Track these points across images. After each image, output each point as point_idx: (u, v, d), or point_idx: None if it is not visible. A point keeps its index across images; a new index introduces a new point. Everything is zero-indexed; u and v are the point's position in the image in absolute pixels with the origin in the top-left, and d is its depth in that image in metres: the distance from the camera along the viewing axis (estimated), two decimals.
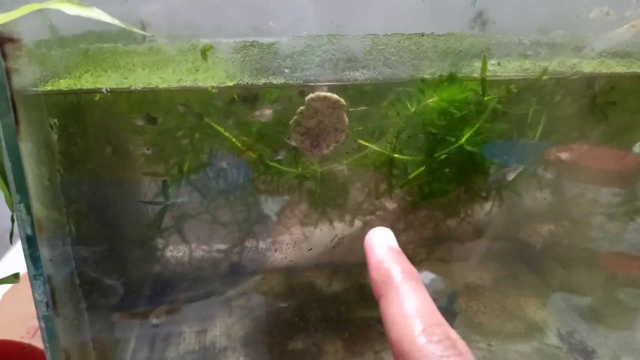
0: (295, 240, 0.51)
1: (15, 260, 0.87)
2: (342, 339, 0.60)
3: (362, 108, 0.43)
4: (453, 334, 0.25)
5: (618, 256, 0.64)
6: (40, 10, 0.37)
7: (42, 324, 0.40)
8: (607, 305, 0.65)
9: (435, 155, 0.45)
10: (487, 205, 0.55)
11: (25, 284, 0.78)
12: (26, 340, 0.55)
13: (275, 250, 0.52)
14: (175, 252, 0.55)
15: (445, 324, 0.26)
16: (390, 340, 0.26)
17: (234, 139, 0.45)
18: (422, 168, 0.45)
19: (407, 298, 0.26)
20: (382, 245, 0.30)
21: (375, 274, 0.29)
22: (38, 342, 0.53)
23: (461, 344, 0.25)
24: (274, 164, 0.45)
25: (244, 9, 0.40)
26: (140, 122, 0.41)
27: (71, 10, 0.28)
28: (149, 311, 0.60)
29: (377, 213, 0.53)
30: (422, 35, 0.40)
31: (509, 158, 0.52)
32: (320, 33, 0.39)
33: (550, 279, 0.67)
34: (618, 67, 0.46)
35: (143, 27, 0.39)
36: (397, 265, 0.28)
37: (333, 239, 0.49)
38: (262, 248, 0.54)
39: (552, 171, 0.57)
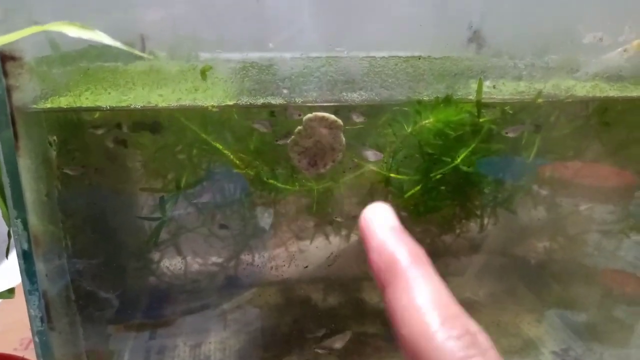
0: (291, 255, 0.52)
1: (9, 272, 0.87)
2: (337, 354, 0.60)
3: (359, 126, 0.44)
4: (472, 326, 0.22)
5: (614, 273, 0.64)
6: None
7: (37, 339, 0.40)
8: (603, 322, 0.66)
9: (431, 174, 0.45)
10: (483, 222, 0.56)
11: (19, 296, 0.78)
12: (19, 352, 0.54)
13: (271, 268, 0.52)
14: (171, 265, 0.55)
15: (463, 315, 0.22)
16: (400, 336, 0.22)
17: (232, 156, 0.45)
18: (418, 187, 0.46)
19: (419, 286, 0.23)
20: (382, 224, 0.25)
21: (377, 258, 0.24)
22: (31, 354, 0.53)
23: (483, 337, 0.21)
24: (272, 181, 0.46)
25: (245, 22, 0.41)
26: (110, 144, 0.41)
27: (74, 32, 0.29)
28: (144, 324, 0.60)
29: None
30: (419, 58, 0.41)
31: (504, 175, 0.52)
32: (319, 47, 0.40)
33: (545, 295, 0.67)
34: (612, 91, 0.46)
35: (143, 40, 0.40)
36: (402, 247, 0.24)
37: (329, 256, 0.49)
38: (257, 262, 0.55)
39: (547, 188, 0.58)
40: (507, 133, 0.46)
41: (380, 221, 0.25)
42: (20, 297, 0.77)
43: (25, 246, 0.38)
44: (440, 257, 0.59)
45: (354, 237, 0.54)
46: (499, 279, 0.67)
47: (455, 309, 0.22)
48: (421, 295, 0.22)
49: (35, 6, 0.36)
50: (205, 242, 0.55)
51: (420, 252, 0.24)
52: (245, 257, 0.55)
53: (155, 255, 0.54)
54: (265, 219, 0.52)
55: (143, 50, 0.40)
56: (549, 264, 0.64)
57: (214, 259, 0.57)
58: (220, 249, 0.56)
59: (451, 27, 0.43)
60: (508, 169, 0.52)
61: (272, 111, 0.41)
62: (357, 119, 0.40)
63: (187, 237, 0.54)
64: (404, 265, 0.23)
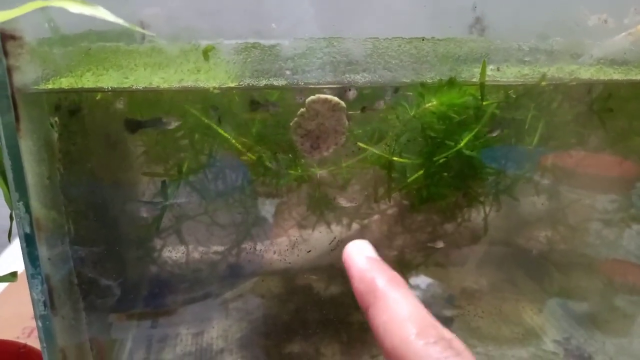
0: (293, 242, 0.52)
1: (12, 260, 0.87)
2: (340, 342, 0.60)
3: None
4: (447, 333, 0.25)
5: (615, 262, 0.64)
6: (42, 8, 0.37)
7: (40, 324, 0.40)
8: (604, 312, 0.66)
9: (434, 159, 0.45)
10: (485, 210, 0.56)
11: (21, 284, 0.78)
12: (21, 341, 0.54)
13: (274, 252, 0.52)
14: (173, 253, 0.55)
15: (438, 325, 0.26)
16: (384, 349, 0.25)
17: (233, 140, 0.45)
18: (421, 171, 0.46)
19: (396, 304, 0.26)
20: (361, 256, 0.30)
21: (358, 284, 0.28)
22: (33, 343, 0.53)
23: (457, 343, 0.25)
24: (275, 166, 0.45)
25: (244, 12, 0.41)
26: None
27: (75, 8, 0.28)
28: (146, 313, 0.60)
29: (375, 217, 0.53)
30: (423, 40, 0.41)
31: (506, 163, 0.52)
32: (320, 36, 0.39)
33: (547, 284, 0.67)
34: (615, 74, 0.46)
35: (143, 29, 0.40)
36: (380, 273, 0.28)
37: (332, 241, 0.49)
38: (259, 250, 0.54)
39: (549, 177, 0.58)
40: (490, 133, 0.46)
41: (360, 253, 0.30)
42: (22, 287, 0.78)
43: (28, 229, 0.38)
44: (442, 247, 0.59)
45: (355, 226, 0.54)
46: (500, 268, 0.67)
47: (431, 320, 0.26)
48: (399, 311, 0.26)
49: None
50: (207, 230, 0.54)
51: (396, 276, 0.28)
52: (248, 245, 0.55)
53: (158, 243, 0.53)
54: (267, 205, 0.52)
55: (143, 39, 0.39)
56: (551, 253, 0.64)
57: (216, 247, 0.57)
58: (222, 237, 0.56)
59: (455, 9, 0.42)
60: (509, 155, 0.52)
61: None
62: (352, 96, 0.40)
63: (189, 225, 0.53)
64: (382, 288, 0.27)
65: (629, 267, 0.65)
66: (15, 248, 0.94)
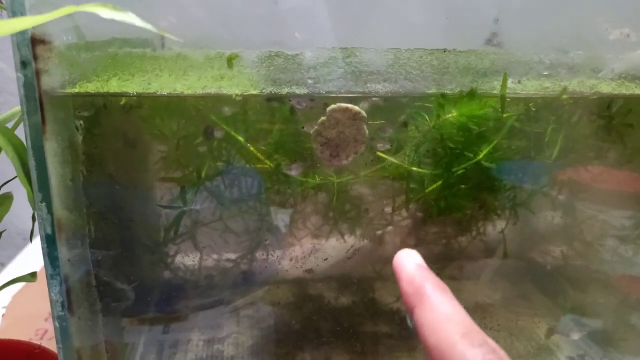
0: (307, 251, 0.52)
1: (27, 262, 0.88)
2: (351, 352, 0.59)
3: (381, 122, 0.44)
4: (491, 341, 0.26)
5: (631, 279, 0.64)
6: (69, 15, 0.38)
7: (57, 324, 0.40)
8: (620, 329, 0.65)
9: (453, 169, 0.45)
10: (501, 223, 0.55)
11: (34, 287, 0.79)
12: (35, 342, 0.55)
13: (291, 259, 0.52)
14: (189, 258, 0.55)
15: (483, 333, 0.26)
16: (427, 347, 0.26)
17: (252, 148, 0.45)
18: (440, 182, 0.46)
19: (444, 306, 0.27)
20: (412, 262, 0.31)
21: (407, 287, 0.30)
22: (47, 345, 0.53)
23: (501, 351, 0.25)
24: (291, 175, 0.46)
25: (262, 22, 0.41)
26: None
27: (106, 14, 0.29)
28: (159, 317, 0.60)
29: (389, 228, 0.53)
30: (444, 51, 0.41)
31: (523, 177, 0.52)
32: (342, 46, 0.40)
33: (561, 300, 0.66)
34: (637, 89, 0.46)
35: (163, 39, 0.40)
36: (429, 279, 0.30)
37: (349, 249, 0.49)
38: (272, 258, 0.54)
39: (566, 192, 0.57)
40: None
41: (411, 260, 0.32)
42: (36, 289, 0.78)
43: (49, 230, 0.38)
44: (456, 260, 0.59)
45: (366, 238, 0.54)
46: (514, 283, 0.66)
47: (475, 326, 0.27)
48: (445, 313, 0.27)
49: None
50: (220, 237, 0.55)
51: (442, 284, 0.30)
52: (261, 253, 0.55)
53: (174, 248, 0.54)
54: (283, 213, 0.52)
55: (162, 47, 0.40)
56: (566, 269, 0.64)
57: (230, 254, 0.57)
58: (236, 245, 0.56)
59: (476, 21, 0.42)
60: (527, 169, 0.52)
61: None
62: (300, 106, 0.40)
63: (205, 232, 0.54)
64: (430, 291, 0.28)
65: None
66: (28, 251, 0.95)
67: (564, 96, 0.44)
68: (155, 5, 0.38)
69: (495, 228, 0.56)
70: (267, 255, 0.55)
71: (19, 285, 0.78)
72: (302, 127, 0.40)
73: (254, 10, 0.41)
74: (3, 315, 0.73)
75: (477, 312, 0.63)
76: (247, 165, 0.47)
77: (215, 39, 0.40)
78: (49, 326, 0.70)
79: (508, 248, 0.58)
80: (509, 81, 0.43)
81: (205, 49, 0.39)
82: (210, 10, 0.40)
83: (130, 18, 0.29)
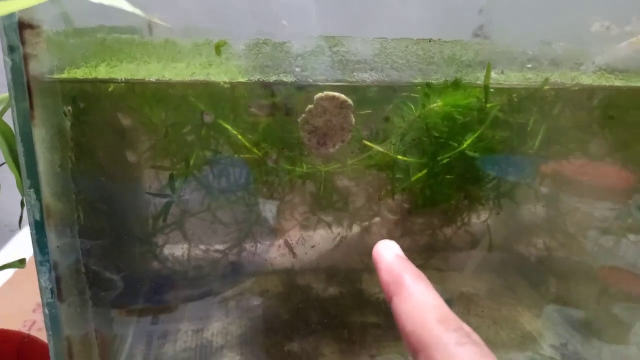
0: (294, 241, 0.52)
1: (15, 253, 0.87)
2: (339, 342, 0.60)
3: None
4: (467, 327, 0.27)
5: (612, 270, 0.65)
6: (56, 1, 0.38)
7: (46, 311, 0.40)
8: (601, 318, 0.66)
9: (438, 158, 0.46)
10: (485, 214, 0.56)
11: (23, 278, 0.79)
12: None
13: (278, 247, 0.53)
14: (176, 249, 0.56)
15: (458, 319, 0.27)
16: (404, 333, 0.27)
17: (240, 137, 0.45)
18: (425, 170, 0.46)
19: (421, 294, 0.28)
20: (391, 252, 0.32)
21: (386, 276, 0.31)
22: (35, 334, 0.53)
23: (475, 335, 0.26)
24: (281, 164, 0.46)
25: (251, 14, 0.42)
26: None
27: None
28: (148, 308, 0.60)
29: (375, 219, 0.54)
30: (430, 41, 0.41)
31: (506, 168, 0.53)
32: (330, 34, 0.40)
33: (545, 290, 0.67)
34: (617, 81, 0.47)
35: (150, 27, 0.41)
36: (407, 268, 0.30)
37: (336, 237, 0.50)
38: (260, 248, 0.55)
39: (549, 184, 0.58)
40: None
41: (389, 250, 0.32)
42: (24, 280, 0.78)
43: (38, 216, 0.38)
44: (441, 251, 0.60)
45: (356, 228, 0.54)
46: (498, 273, 0.67)
47: (451, 313, 0.27)
48: (422, 300, 0.28)
49: None
50: (209, 227, 0.55)
51: (420, 273, 0.30)
52: (250, 243, 0.56)
53: (163, 238, 0.54)
54: (270, 203, 0.52)
55: (150, 33, 0.40)
56: (549, 260, 0.65)
57: (218, 245, 0.58)
58: (224, 235, 0.56)
59: (461, 12, 0.43)
60: (510, 160, 0.52)
61: (272, 91, 0.42)
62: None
63: (192, 222, 0.54)
64: (408, 280, 0.29)
65: (626, 275, 0.65)
66: (15, 242, 0.94)
67: (546, 87, 0.45)
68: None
69: (480, 218, 0.57)
70: (255, 244, 0.55)
71: (7, 276, 0.77)
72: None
73: (241, 1, 0.41)
74: None
75: (462, 301, 0.64)
76: (235, 154, 0.47)
77: (203, 29, 0.40)
78: (37, 317, 0.70)
79: (492, 239, 0.59)
80: (493, 72, 0.44)
81: (193, 37, 0.40)
82: (198, 1, 0.41)
83: (118, 2, 0.30)
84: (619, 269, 0.65)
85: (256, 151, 0.46)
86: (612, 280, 0.65)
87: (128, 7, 0.30)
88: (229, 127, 0.45)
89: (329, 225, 0.53)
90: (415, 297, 0.28)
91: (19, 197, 0.40)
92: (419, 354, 0.26)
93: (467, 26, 0.46)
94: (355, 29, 0.41)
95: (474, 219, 0.57)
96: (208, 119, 0.43)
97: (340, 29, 0.41)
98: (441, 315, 0.27)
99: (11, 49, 0.35)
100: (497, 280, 0.68)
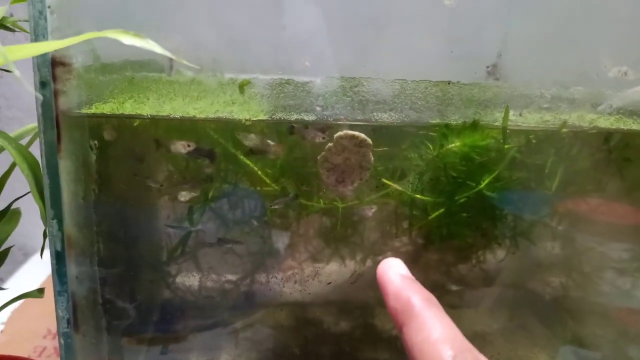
0: (308, 275, 0.52)
1: (27, 278, 0.88)
2: None
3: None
4: (483, 358, 0.25)
5: (629, 311, 0.64)
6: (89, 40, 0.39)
7: (62, 341, 0.41)
8: None
9: (455, 198, 0.46)
10: (501, 253, 0.56)
11: (34, 303, 0.79)
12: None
13: (295, 282, 0.53)
14: (193, 279, 0.56)
15: (474, 350, 0.26)
16: None
17: (259, 172, 0.46)
18: (443, 210, 0.47)
19: (433, 324, 0.26)
20: (396, 274, 0.30)
21: (394, 303, 0.29)
22: None
23: None
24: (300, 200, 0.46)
25: (270, 47, 0.43)
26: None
27: (128, 40, 0.30)
28: (158, 337, 0.60)
29: (389, 254, 0.54)
30: (449, 83, 0.42)
31: (524, 208, 0.52)
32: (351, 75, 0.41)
33: (560, 331, 0.66)
34: (635, 125, 0.47)
35: (171, 61, 0.42)
36: (416, 293, 0.28)
37: (352, 274, 0.50)
38: (272, 281, 0.55)
39: (565, 223, 0.58)
40: None
41: (395, 271, 0.30)
42: (36, 308, 0.78)
43: (59, 247, 0.39)
44: (455, 288, 0.59)
45: (369, 262, 0.54)
46: (513, 313, 0.66)
47: (467, 344, 0.26)
48: (435, 332, 0.26)
49: (82, 21, 0.38)
50: (222, 258, 0.55)
51: (431, 297, 0.28)
52: (263, 275, 0.56)
53: (179, 268, 0.54)
54: (287, 237, 0.52)
55: (170, 70, 0.41)
56: (565, 300, 0.64)
57: (230, 276, 0.58)
58: (237, 266, 0.56)
59: (480, 55, 0.44)
60: (527, 200, 0.52)
61: (292, 126, 0.43)
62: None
63: (208, 253, 0.54)
64: (418, 308, 0.27)
65: None
66: (26, 269, 0.94)
67: (564, 129, 0.45)
68: (164, 29, 0.39)
69: (496, 257, 0.57)
70: (269, 278, 0.55)
71: (18, 302, 0.78)
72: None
73: (262, 36, 0.42)
74: (2, 331, 0.73)
75: (477, 340, 0.63)
76: (253, 188, 0.48)
77: (224, 64, 0.41)
78: (48, 344, 0.70)
79: (508, 278, 0.59)
80: (511, 113, 0.44)
81: (215, 73, 0.40)
82: (219, 35, 0.42)
83: (150, 45, 0.31)
84: (636, 311, 0.64)
85: (274, 185, 0.47)
86: (629, 321, 0.64)
87: (158, 50, 0.30)
88: (249, 162, 0.46)
89: (344, 260, 0.53)
90: (428, 328, 0.26)
91: (34, 222, 0.41)
92: None
93: (483, 68, 0.47)
94: (374, 69, 0.42)
95: (489, 257, 0.57)
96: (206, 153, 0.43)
97: (359, 67, 0.42)
98: (456, 348, 0.25)
99: (43, 85, 0.36)
100: (512, 320, 0.67)
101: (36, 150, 0.40)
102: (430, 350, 0.25)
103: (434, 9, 0.42)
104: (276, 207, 0.46)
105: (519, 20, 0.44)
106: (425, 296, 0.28)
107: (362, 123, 0.41)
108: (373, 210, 0.47)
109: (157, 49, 0.31)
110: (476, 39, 0.44)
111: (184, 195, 0.45)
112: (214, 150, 0.43)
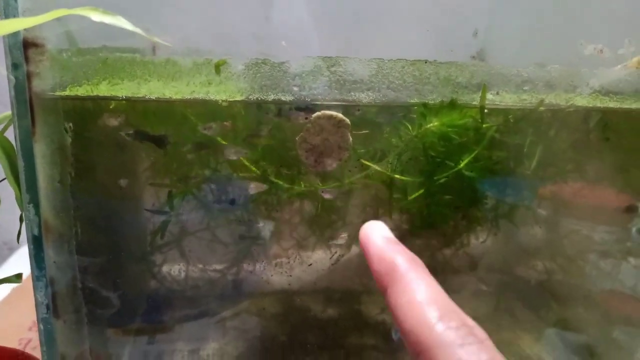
0: (292, 260, 0.52)
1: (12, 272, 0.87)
2: None
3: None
4: (469, 321, 0.25)
5: (613, 294, 0.65)
6: (61, 21, 0.39)
7: (41, 326, 0.40)
8: (602, 343, 0.65)
9: (435, 178, 0.46)
10: (483, 234, 0.56)
11: (20, 296, 0.78)
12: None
13: (275, 265, 0.53)
14: (174, 268, 0.56)
15: (460, 311, 0.25)
16: (403, 331, 0.25)
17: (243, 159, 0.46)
18: (422, 190, 0.47)
19: (418, 285, 0.26)
20: (379, 236, 0.29)
21: (377, 265, 0.28)
22: (31, 352, 0.53)
23: (479, 331, 0.25)
24: (279, 182, 0.46)
25: (251, 35, 0.42)
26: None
27: (97, 17, 0.30)
28: (144, 328, 0.60)
29: None
30: (425, 62, 0.42)
31: (503, 188, 0.53)
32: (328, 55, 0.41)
33: (544, 314, 0.67)
34: (611, 103, 0.47)
35: (154, 50, 0.41)
36: (399, 254, 0.28)
37: (332, 255, 0.50)
38: (258, 269, 0.55)
39: (547, 207, 0.58)
40: None
41: (378, 233, 0.29)
42: (21, 301, 0.78)
43: (36, 231, 0.39)
44: (439, 273, 0.60)
45: (355, 249, 0.54)
46: (497, 297, 0.67)
47: (453, 305, 0.26)
48: (420, 293, 0.25)
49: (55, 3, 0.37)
50: (207, 246, 0.55)
51: (415, 257, 0.28)
52: (248, 263, 0.56)
53: (160, 256, 0.54)
54: (267, 222, 0.52)
55: (153, 53, 0.41)
56: (548, 283, 0.65)
57: (216, 264, 0.58)
58: (222, 255, 0.56)
59: (457, 34, 0.44)
60: (506, 181, 0.53)
61: (279, 109, 0.43)
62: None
63: (190, 241, 0.54)
64: (403, 269, 0.26)
65: (627, 299, 0.65)
66: (11, 263, 0.94)
67: (541, 108, 0.46)
68: (146, 17, 0.39)
69: (478, 239, 0.57)
70: (253, 264, 0.55)
71: (4, 294, 0.77)
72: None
73: (243, 25, 0.42)
74: None
75: None
76: (234, 173, 0.48)
77: (204, 51, 0.41)
78: (33, 335, 0.69)
79: (490, 262, 0.59)
80: (489, 93, 0.44)
81: (194, 57, 0.40)
82: (200, 23, 0.42)
83: (120, 22, 0.30)
84: (620, 293, 0.64)
85: (254, 169, 0.46)
86: (612, 304, 0.64)
87: (129, 26, 0.30)
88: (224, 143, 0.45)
89: (326, 243, 0.53)
90: (413, 290, 0.25)
91: (18, 215, 0.40)
92: (420, 356, 0.24)
93: (464, 49, 0.47)
94: (352, 50, 0.42)
95: (471, 239, 0.57)
96: (209, 131, 0.43)
97: (337, 50, 0.42)
98: (442, 310, 0.25)
99: (15, 67, 0.36)
100: (496, 303, 0.67)
101: (11, 135, 0.39)
102: (415, 311, 0.25)
103: None
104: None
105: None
106: (409, 257, 0.28)
107: (340, 103, 0.41)
108: (334, 195, 0.46)
109: (127, 25, 0.31)
110: (454, 17, 0.44)
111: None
112: (164, 135, 0.43)
